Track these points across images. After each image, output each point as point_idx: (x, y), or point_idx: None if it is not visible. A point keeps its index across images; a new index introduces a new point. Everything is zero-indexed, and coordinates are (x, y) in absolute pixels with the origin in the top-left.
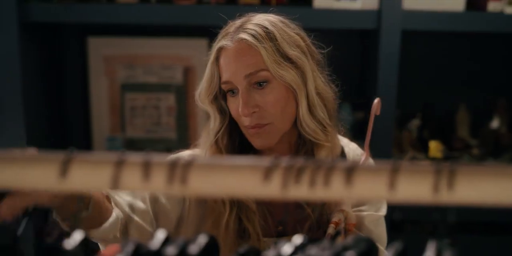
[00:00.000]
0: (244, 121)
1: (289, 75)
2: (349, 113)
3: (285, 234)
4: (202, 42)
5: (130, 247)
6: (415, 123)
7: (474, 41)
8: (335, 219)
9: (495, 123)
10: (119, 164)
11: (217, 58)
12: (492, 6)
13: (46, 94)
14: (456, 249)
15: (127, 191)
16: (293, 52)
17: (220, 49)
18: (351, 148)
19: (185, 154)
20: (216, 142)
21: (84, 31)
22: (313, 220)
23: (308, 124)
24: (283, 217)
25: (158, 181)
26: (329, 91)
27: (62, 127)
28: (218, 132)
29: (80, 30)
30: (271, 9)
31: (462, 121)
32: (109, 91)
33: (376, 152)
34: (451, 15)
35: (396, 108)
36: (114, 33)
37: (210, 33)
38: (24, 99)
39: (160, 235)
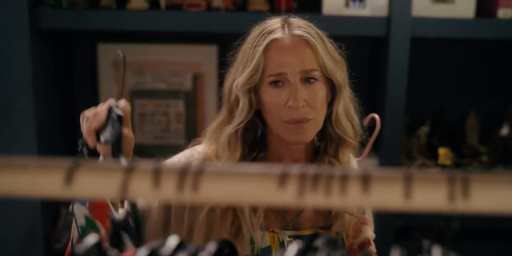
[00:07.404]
0: (290, 114)
1: (340, 75)
2: None
3: (297, 229)
4: (211, 49)
5: (143, 253)
6: (424, 130)
7: (484, 48)
8: (372, 233)
9: (504, 130)
10: (128, 171)
11: (265, 50)
12: (502, 13)
13: (57, 100)
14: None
15: (137, 198)
16: (337, 55)
17: (273, 41)
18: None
19: (186, 155)
20: (236, 132)
21: (94, 37)
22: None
23: (342, 121)
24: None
25: (168, 189)
26: (354, 98)
27: (73, 132)
28: (242, 122)
29: (91, 37)
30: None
31: (471, 128)
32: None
33: (385, 159)
34: (461, 22)
35: (405, 115)
36: (124, 40)
37: (219, 39)
38: (35, 104)
39: (172, 241)
